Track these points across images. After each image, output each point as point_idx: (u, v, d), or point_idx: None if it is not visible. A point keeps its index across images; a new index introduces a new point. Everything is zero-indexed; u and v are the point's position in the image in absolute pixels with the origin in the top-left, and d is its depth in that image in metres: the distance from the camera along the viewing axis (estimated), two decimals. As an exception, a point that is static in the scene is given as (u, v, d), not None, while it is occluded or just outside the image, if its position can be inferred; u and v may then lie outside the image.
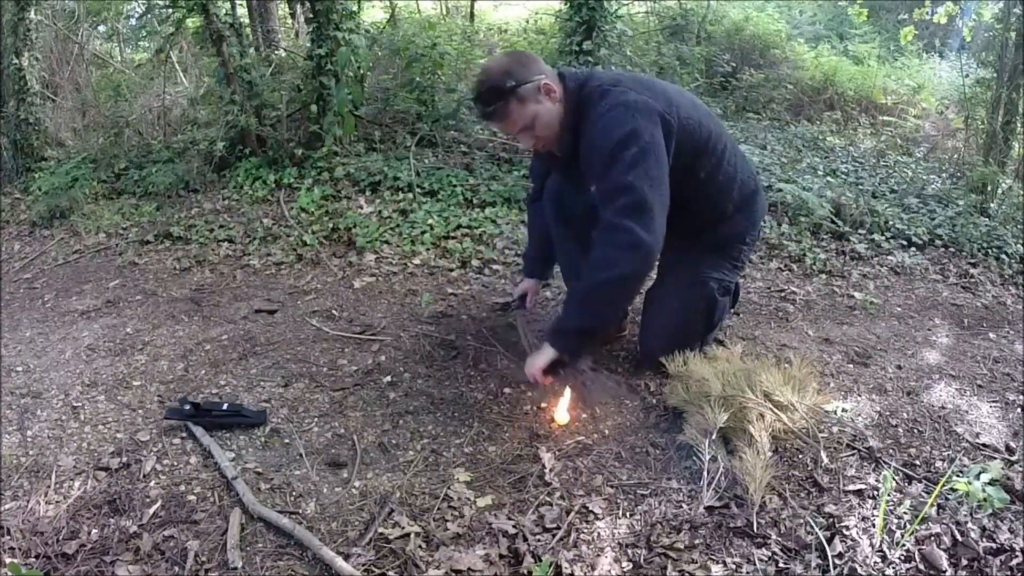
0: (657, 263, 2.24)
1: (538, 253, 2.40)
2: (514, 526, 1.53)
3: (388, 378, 2.15)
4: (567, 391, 1.90)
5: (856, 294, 2.91)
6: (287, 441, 1.85)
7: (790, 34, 7.13)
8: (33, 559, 1.45)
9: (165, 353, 2.35)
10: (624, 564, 1.44)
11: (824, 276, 3.07)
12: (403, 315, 2.59)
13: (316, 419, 1.95)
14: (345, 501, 1.63)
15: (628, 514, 1.57)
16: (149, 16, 6.59)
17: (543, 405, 1.95)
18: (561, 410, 1.88)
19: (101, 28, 7.14)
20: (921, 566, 1.42)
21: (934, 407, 2.02)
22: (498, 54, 1.95)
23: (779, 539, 1.49)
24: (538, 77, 1.80)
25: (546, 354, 1.81)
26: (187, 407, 1.88)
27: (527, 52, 2.01)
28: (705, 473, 1.63)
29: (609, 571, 1.42)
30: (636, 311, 2.34)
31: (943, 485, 1.62)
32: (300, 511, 1.59)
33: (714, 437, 1.68)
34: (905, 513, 1.56)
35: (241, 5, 5.17)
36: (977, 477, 1.65)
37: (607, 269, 1.72)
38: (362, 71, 4.03)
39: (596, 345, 1.94)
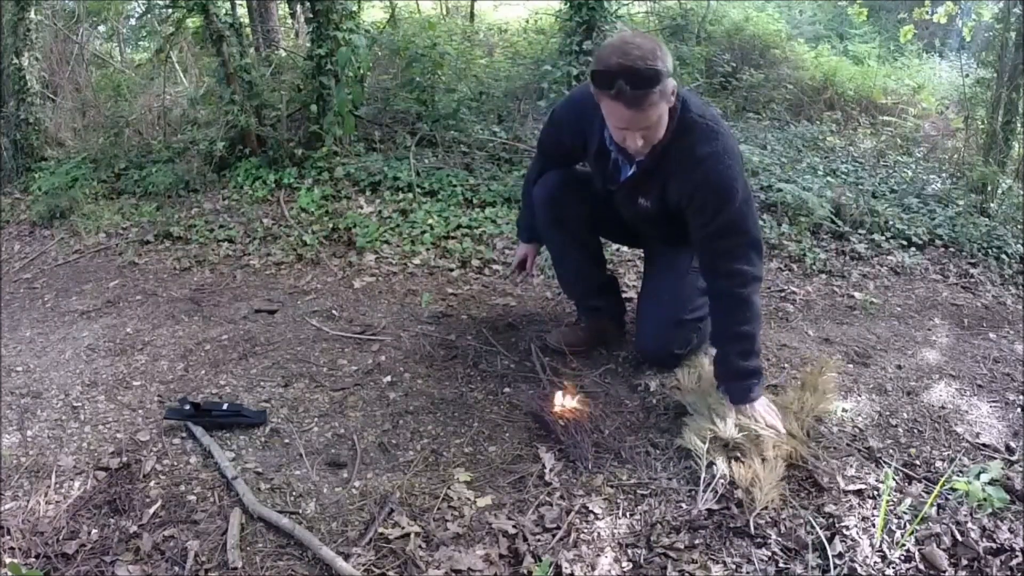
0: (653, 261, 2.26)
1: (534, 220, 2.28)
2: (514, 526, 1.53)
3: (388, 378, 2.15)
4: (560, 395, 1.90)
5: (856, 294, 2.91)
6: (287, 441, 1.85)
7: (790, 34, 7.12)
8: (33, 559, 1.45)
9: (165, 353, 2.35)
10: (624, 564, 1.44)
11: (824, 276, 3.07)
12: (403, 315, 2.59)
13: (316, 419, 1.95)
14: (345, 501, 1.63)
15: (628, 514, 1.58)
16: (149, 16, 6.59)
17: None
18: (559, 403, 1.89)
19: (101, 28, 7.14)
20: (921, 566, 1.42)
21: (934, 407, 2.02)
22: (635, 33, 1.72)
23: (779, 539, 1.49)
24: (672, 77, 1.63)
25: (763, 401, 1.79)
26: (187, 407, 1.88)
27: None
28: (702, 477, 1.63)
29: (609, 571, 1.42)
30: (633, 309, 2.34)
31: (943, 485, 1.62)
32: (300, 511, 1.59)
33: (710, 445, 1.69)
34: (905, 513, 1.56)
35: (241, 5, 5.17)
36: (977, 477, 1.66)
37: (760, 314, 1.84)
38: (362, 71, 4.03)
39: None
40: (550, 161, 2.18)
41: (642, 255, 2.67)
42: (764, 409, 1.78)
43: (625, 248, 3.11)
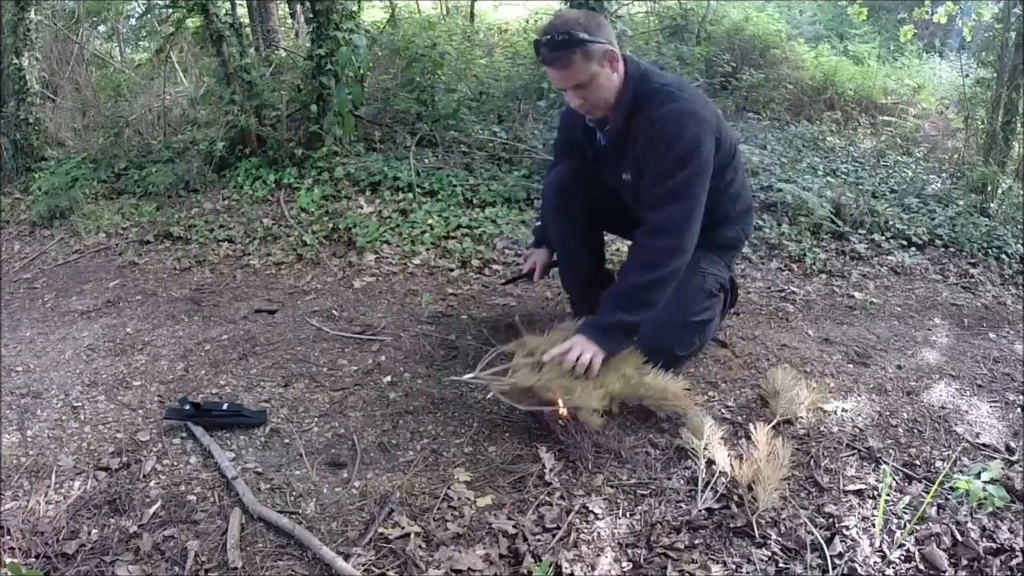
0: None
1: None
2: (514, 526, 1.53)
3: (388, 378, 2.15)
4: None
5: (856, 294, 2.91)
6: (287, 441, 1.85)
7: (790, 34, 7.11)
8: (33, 559, 1.45)
9: (165, 353, 2.35)
10: (624, 564, 1.44)
11: (824, 276, 3.07)
12: (403, 315, 2.59)
13: (316, 419, 1.95)
14: (345, 501, 1.63)
15: (628, 514, 1.58)
16: (149, 16, 6.60)
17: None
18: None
19: (101, 28, 7.14)
20: (921, 566, 1.42)
21: (934, 407, 2.02)
22: (570, 9, 1.97)
23: (779, 539, 1.49)
24: (607, 43, 1.83)
25: (591, 348, 1.81)
26: (187, 407, 1.88)
27: (600, 16, 2.04)
28: (700, 476, 1.63)
29: (609, 571, 1.42)
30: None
31: (940, 483, 1.62)
32: (300, 511, 1.59)
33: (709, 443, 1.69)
34: (905, 513, 1.56)
35: (241, 5, 5.18)
36: (977, 476, 1.66)
37: (653, 270, 1.85)
38: (362, 71, 4.03)
39: (629, 343, 1.94)
40: (566, 158, 2.26)
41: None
42: (590, 358, 1.78)
43: (625, 248, 3.10)
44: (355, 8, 4.05)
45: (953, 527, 1.51)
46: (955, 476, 1.68)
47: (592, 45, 1.80)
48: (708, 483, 1.63)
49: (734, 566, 1.43)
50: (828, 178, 4.06)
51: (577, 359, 1.78)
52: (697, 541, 1.49)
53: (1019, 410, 2.03)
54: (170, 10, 4.60)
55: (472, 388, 2.08)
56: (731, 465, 1.65)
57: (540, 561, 1.42)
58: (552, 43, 1.79)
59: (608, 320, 1.84)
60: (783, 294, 2.86)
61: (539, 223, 2.48)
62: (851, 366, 2.25)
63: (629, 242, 2.97)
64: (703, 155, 1.85)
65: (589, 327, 1.84)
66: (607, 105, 1.90)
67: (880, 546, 1.47)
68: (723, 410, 1.95)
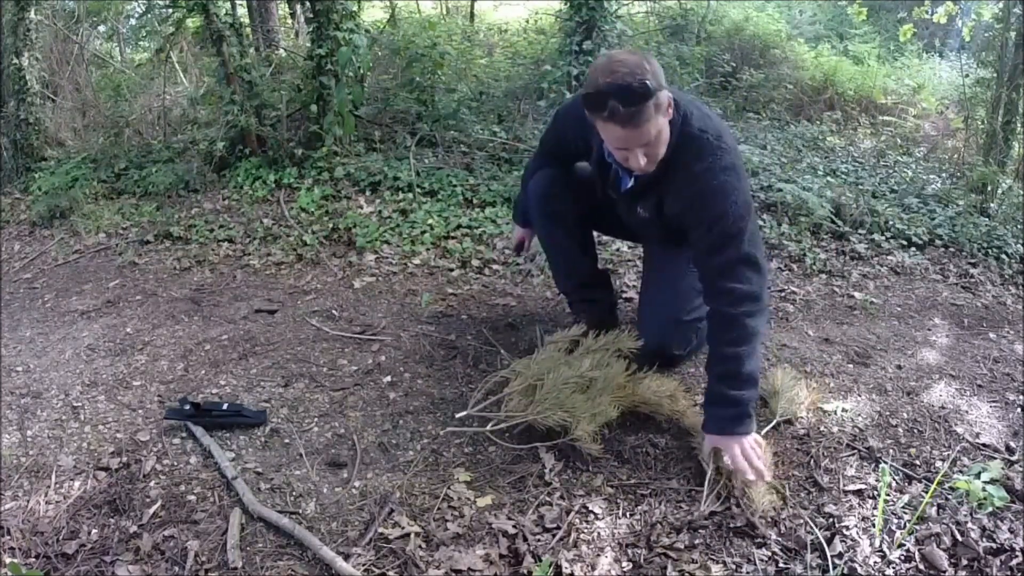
0: (652, 260, 2.27)
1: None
2: (514, 526, 1.53)
3: (388, 378, 2.15)
4: None
5: (856, 294, 2.91)
6: (287, 441, 1.85)
7: (790, 34, 7.12)
8: (33, 559, 1.45)
9: (165, 353, 2.35)
10: (624, 564, 1.44)
11: (824, 276, 3.07)
12: (403, 315, 2.59)
13: (316, 419, 1.95)
14: (345, 501, 1.63)
15: (628, 514, 1.58)
16: (149, 16, 6.59)
17: None
18: None
19: (101, 28, 7.14)
20: (921, 566, 1.42)
21: (934, 407, 2.02)
22: (620, 51, 1.67)
23: (779, 539, 1.49)
24: (666, 89, 1.60)
25: (739, 441, 1.62)
26: (187, 407, 1.88)
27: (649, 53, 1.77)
28: (708, 477, 1.63)
29: (609, 571, 1.42)
30: (633, 309, 2.34)
31: (938, 483, 1.62)
32: (300, 511, 1.59)
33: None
34: (905, 512, 1.56)
35: (241, 5, 5.17)
36: (977, 476, 1.66)
37: (745, 342, 1.68)
38: (362, 71, 4.03)
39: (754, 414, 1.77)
40: (550, 159, 2.19)
41: (641, 254, 2.67)
42: (747, 447, 1.60)
43: (625, 248, 3.11)
44: (355, 8, 4.05)
45: (953, 527, 1.51)
46: (955, 476, 1.68)
47: (661, 93, 1.57)
48: (713, 488, 1.62)
49: (734, 566, 1.43)
50: (828, 178, 4.06)
51: (745, 461, 1.59)
52: (697, 541, 1.49)
53: (1019, 410, 2.03)
54: (170, 10, 4.60)
55: (472, 388, 2.08)
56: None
57: (540, 561, 1.42)
58: (627, 96, 1.52)
59: (734, 411, 1.64)
60: (783, 294, 2.86)
61: (518, 206, 2.44)
62: (851, 366, 2.25)
63: (629, 243, 3.01)
64: (751, 210, 1.74)
65: (721, 425, 1.65)
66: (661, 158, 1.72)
67: (880, 546, 1.47)
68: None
